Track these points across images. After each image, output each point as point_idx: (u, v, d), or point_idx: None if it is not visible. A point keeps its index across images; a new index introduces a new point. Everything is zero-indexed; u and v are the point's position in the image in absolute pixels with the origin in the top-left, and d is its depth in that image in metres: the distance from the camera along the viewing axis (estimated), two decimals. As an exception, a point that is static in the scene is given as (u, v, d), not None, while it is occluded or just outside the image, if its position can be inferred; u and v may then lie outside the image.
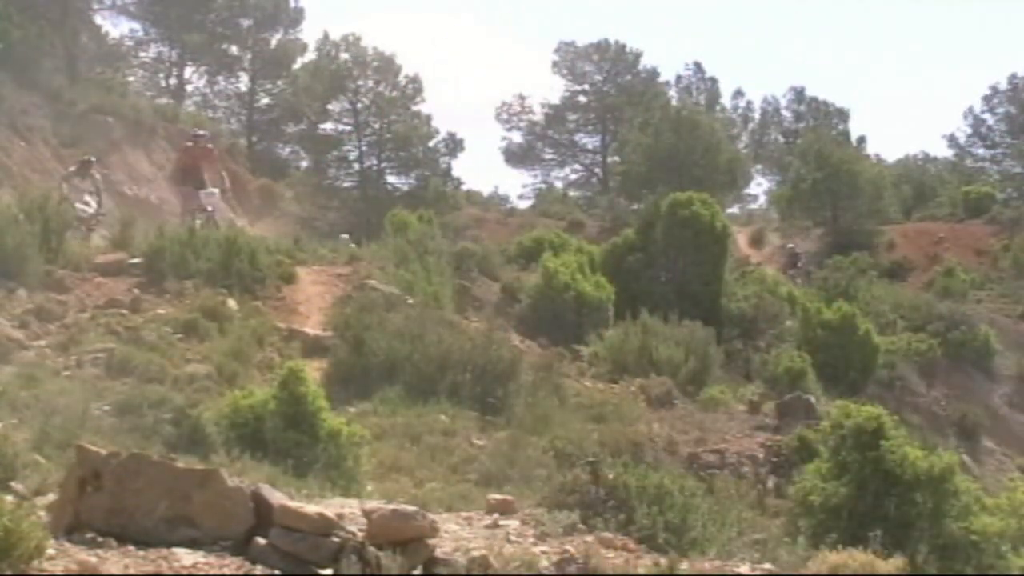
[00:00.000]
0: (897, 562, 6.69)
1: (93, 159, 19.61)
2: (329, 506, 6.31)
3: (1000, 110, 50.72)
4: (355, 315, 14.72)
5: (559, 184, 53.97)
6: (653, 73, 52.94)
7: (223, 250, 15.96)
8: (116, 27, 54.46)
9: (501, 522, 7.27)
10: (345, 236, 23.20)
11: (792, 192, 42.47)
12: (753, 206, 52.38)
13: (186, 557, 5.13)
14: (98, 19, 40.13)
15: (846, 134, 50.24)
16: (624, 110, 50.76)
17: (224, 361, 12.80)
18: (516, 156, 53.90)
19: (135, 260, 15.88)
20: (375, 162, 44.29)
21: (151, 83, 44.15)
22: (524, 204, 50.47)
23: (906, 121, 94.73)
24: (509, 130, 53.90)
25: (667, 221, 22.09)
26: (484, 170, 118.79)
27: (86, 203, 18.39)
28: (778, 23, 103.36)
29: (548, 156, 54.45)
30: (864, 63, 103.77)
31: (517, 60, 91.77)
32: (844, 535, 8.50)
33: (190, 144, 19.72)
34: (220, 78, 45.61)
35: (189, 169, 19.14)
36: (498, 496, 8.07)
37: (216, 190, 19.12)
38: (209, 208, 18.68)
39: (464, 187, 46.24)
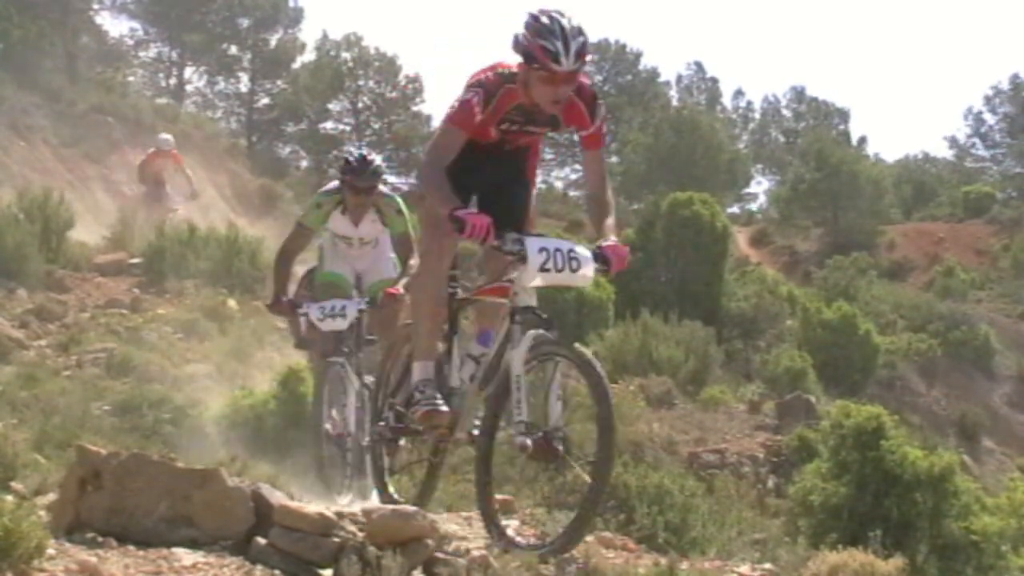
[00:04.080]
0: (897, 562, 6.68)
1: None
2: (329, 506, 6.30)
3: (1000, 110, 50.67)
4: (355, 315, 14.68)
5: (559, 184, 53.91)
6: (653, 73, 52.82)
7: (223, 250, 15.96)
8: (116, 26, 54.53)
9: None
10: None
11: (792, 192, 42.45)
12: (753, 206, 52.38)
13: (186, 557, 5.12)
14: (98, 19, 40.21)
15: (846, 134, 50.20)
16: (624, 110, 50.65)
17: (224, 361, 12.81)
18: (516, 156, 53.81)
19: (135, 260, 15.89)
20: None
21: (151, 83, 44.11)
22: (524, 204, 50.36)
23: (906, 121, 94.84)
24: (509, 130, 53.82)
25: (667, 221, 22.09)
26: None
27: None
28: (778, 23, 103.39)
29: (548, 156, 54.37)
30: (864, 63, 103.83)
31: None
32: (844, 535, 8.51)
33: None
34: (220, 78, 45.58)
35: None
36: (498, 496, 8.05)
37: None
38: None
39: (464, 188, 46.27)
